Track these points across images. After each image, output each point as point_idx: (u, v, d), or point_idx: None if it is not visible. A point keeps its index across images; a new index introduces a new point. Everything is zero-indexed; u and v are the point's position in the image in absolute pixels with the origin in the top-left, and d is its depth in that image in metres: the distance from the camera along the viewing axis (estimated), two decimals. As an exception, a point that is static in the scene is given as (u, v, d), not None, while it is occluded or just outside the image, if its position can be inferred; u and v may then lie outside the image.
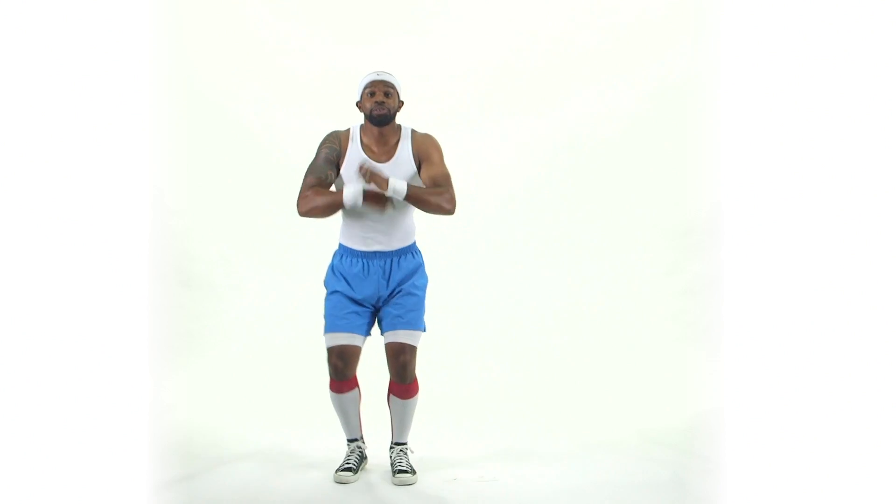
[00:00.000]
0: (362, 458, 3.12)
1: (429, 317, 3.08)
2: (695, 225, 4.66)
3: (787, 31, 2.77)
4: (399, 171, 2.94)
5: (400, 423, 3.10)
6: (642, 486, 2.93)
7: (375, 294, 3.00)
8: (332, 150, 2.98)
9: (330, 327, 3.00)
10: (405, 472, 3.02)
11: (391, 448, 3.13)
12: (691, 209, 4.70)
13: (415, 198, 2.89)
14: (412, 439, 3.17)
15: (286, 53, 5.11)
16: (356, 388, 3.07)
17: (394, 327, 2.99)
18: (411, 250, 3.05)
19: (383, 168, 2.92)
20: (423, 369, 3.11)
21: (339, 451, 3.36)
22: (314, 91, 5.09)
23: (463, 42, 5.10)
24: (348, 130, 3.04)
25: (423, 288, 3.07)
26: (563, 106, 5.03)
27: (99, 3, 2.62)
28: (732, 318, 3.02)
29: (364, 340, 3.03)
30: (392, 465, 3.08)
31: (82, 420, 2.45)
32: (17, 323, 2.34)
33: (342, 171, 2.98)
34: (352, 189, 2.87)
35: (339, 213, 3.00)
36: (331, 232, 4.93)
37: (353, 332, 2.98)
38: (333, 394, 3.04)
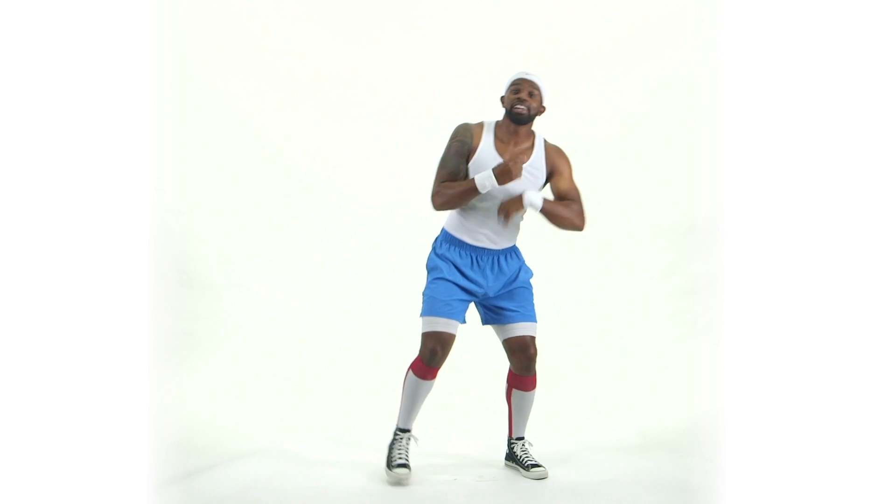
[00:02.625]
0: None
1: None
2: (695, 225, 4.66)
3: (788, 31, 2.77)
4: (530, 177, 2.95)
5: (521, 418, 3.13)
6: (642, 486, 2.93)
7: (483, 287, 3.00)
8: (462, 145, 2.97)
9: (434, 311, 2.94)
10: (539, 465, 3.04)
11: (513, 443, 3.15)
12: (691, 209, 4.70)
13: (549, 212, 2.92)
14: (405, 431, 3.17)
15: (286, 53, 5.10)
16: (434, 380, 3.02)
17: (516, 320, 3.00)
18: (514, 250, 3.07)
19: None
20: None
21: (339, 450, 3.35)
22: (314, 91, 5.09)
23: (463, 42, 5.10)
24: (481, 124, 3.03)
25: (530, 281, 3.09)
26: (562, 106, 5.02)
27: (99, 3, 2.62)
28: (732, 318, 3.02)
29: (458, 329, 3.00)
30: (521, 461, 3.09)
31: (83, 419, 2.45)
32: (17, 323, 2.34)
33: (472, 162, 2.95)
34: (484, 174, 2.85)
35: None
36: (331, 231, 4.93)
37: (455, 319, 2.95)
38: (417, 378, 2.97)
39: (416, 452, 3.19)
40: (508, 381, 3.13)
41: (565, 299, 4.76)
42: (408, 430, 3.05)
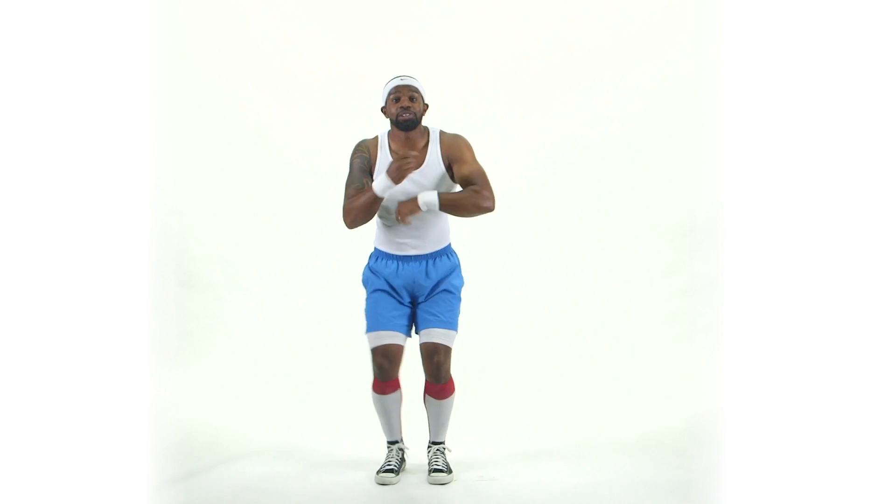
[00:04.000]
0: (402, 459, 3.10)
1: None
2: (695, 225, 4.66)
3: (788, 31, 2.77)
4: (429, 175, 2.94)
5: (436, 423, 3.09)
6: (642, 486, 2.93)
7: (412, 289, 2.99)
8: (363, 160, 2.98)
9: (373, 326, 2.97)
10: (441, 470, 3.01)
11: (428, 447, 3.11)
12: (691, 209, 4.70)
13: (450, 205, 2.88)
14: (406, 437, 3.18)
15: (286, 54, 5.10)
16: (399, 390, 3.04)
17: (429, 325, 2.97)
18: (446, 252, 3.04)
19: (413, 174, 2.89)
20: (420, 370, 3.11)
21: (339, 450, 3.36)
22: (314, 92, 5.09)
23: (463, 42, 5.10)
24: (376, 138, 3.03)
25: (459, 289, 3.06)
26: (562, 106, 5.03)
27: (99, 3, 2.62)
28: (732, 319, 3.02)
29: (406, 340, 3.00)
30: (428, 463, 3.06)
31: (83, 419, 2.45)
32: (17, 323, 2.33)
33: (374, 174, 2.96)
34: (380, 178, 2.85)
35: (375, 218, 3.00)
36: (331, 232, 4.93)
37: (397, 330, 2.95)
38: (376, 395, 3.01)
39: (415, 453, 3.19)
40: (424, 387, 3.07)
41: (565, 299, 4.76)
42: (396, 442, 3.10)
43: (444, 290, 3.00)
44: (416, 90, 2.98)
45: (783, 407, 2.70)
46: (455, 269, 3.05)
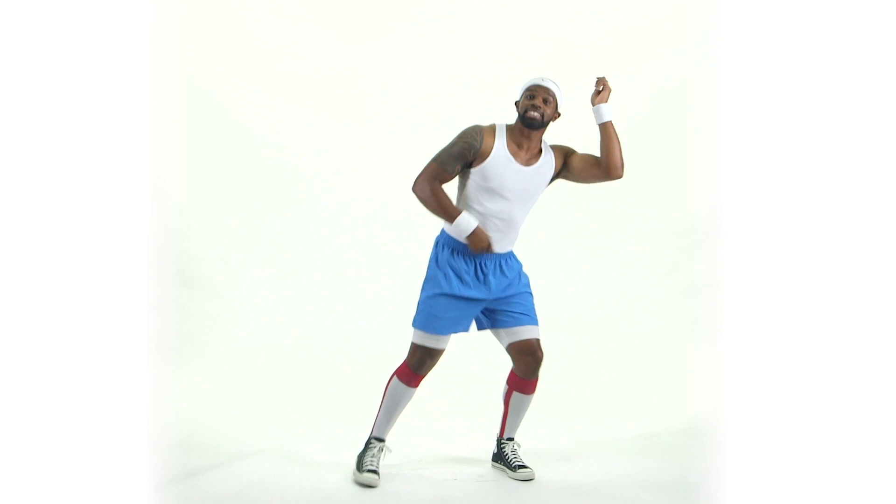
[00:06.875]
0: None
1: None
2: (695, 225, 4.66)
3: (787, 31, 2.78)
4: (536, 179, 2.98)
5: (517, 420, 3.13)
6: (642, 486, 2.93)
7: (486, 294, 2.97)
8: (469, 148, 2.93)
9: (428, 327, 2.94)
10: (526, 466, 3.05)
11: (503, 443, 3.14)
12: (691, 209, 4.70)
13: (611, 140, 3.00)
14: (399, 437, 3.17)
15: (286, 53, 5.10)
16: (417, 389, 3.05)
17: (527, 323, 2.99)
18: (512, 254, 3.07)
19: (526, 172, 2.95)
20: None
21: (339, 450, 3.35)
22: (314, 91, 5.08)
23: (463, 42, 5.10)
24: (493, 126, 3.01)
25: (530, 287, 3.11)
26: (562, 105, 5.02)
27: (99, 3, 2.62)
28: (732, 318, 3.03)
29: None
30: (509, 461, 3.08)
31: (83, 419, 2.45)
32: (17, 322, 2.34)
33: (485, 164, 2.92)
34: (468, 222, 2.87)
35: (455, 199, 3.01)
36: (331, 232, 4.93)
37: (448, 333, 2.97)
38: (402, 385, 3.00)
39: (416, 452, 3.19)
40: (509, 383, 3.10)
41: (565, 299, 4.76)
42: (382, 440, 3.06)
43: (527, 292, 3.04)
44: (551, 94, 3.01)
45: (783, 406, 2.70)
46: (521, 267, 3.09)
